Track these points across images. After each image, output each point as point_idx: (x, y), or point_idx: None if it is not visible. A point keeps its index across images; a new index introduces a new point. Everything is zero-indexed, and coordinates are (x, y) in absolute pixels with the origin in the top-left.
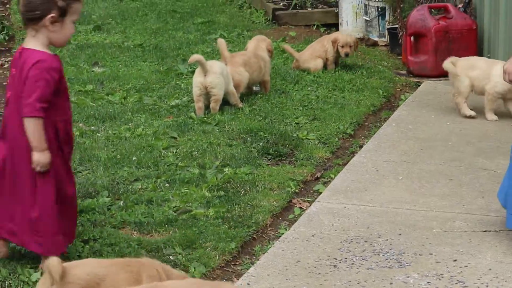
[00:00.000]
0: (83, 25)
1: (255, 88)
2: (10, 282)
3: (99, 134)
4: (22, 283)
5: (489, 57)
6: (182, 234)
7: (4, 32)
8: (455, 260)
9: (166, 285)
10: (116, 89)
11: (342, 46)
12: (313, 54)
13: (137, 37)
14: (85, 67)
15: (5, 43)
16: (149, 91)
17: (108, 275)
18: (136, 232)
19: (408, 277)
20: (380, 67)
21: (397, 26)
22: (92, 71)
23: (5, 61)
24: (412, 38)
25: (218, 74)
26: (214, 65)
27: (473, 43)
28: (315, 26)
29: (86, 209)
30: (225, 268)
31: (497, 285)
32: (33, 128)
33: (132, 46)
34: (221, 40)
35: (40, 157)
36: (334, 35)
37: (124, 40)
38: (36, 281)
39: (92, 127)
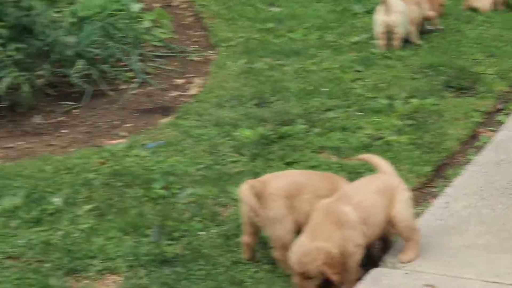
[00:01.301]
0: None
1: (428, 27)
2: (221, 199)
3: (286, 68)
4: (232, 201)
5: None
6: None
7: None
8: None
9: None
10: (295, 28)
11: None
12: None
13: None
14: (261, 7)
15: None
16: (327, 29)
17: (310, 184)
18: (334, 156)
19: None
20: None
21: None
22: (269, 10)
23: (181, 2)
24: None
25: (400, 12)
26: (397, 4)
27: None
28: None
29: (284, 135)
30: (421, 190)
31: None
32: None
33: None
34: None
35: None
36: None
37: None
38: None
39: (278, 61)
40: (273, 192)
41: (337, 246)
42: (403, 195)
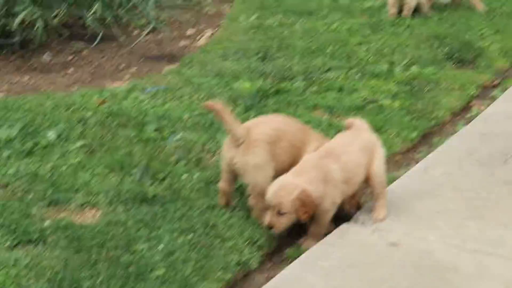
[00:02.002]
0: None
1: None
2: (209, 146)
3: (296, 26)
4: (219, 148)
5: None
6: (369, 120)
7: None
8: None
9: None
10: None
11: None
12: None
13: None
14: None
15: None
16: None
17: (288, 132)
18: (326, 114)
19: None
20: None
21: None
22: None
23: None
24: None
25: None
26: None
27: None
28: None
29: (282, 90)
30: (406, 154)
31: None
32: None
33: None
34: None
35: None
36: None
37: None
38: None
39: (290, 19)
40: (257, 137)
41: (316, 195)
42: (380, 151)
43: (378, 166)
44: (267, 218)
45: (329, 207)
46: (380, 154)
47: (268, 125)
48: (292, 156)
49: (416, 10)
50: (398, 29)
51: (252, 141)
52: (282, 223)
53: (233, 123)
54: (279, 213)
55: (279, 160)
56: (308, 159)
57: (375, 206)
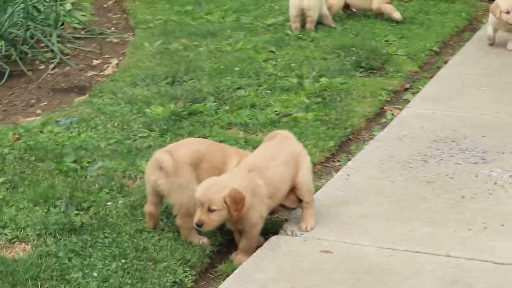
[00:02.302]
0: None
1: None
2: (130, 172)
3: (201, 49)
4: (140, 174)
5: None
6: None
7: None
8: None
9: None
10: (213, 10)
11: None
12: None
13: None
14: None
15: None
16: (245, 11)
17: (208, 153)
18: (242, 132)
19: (492, 171)
20: None
21: None
22: None
23: None
24: None
25: None
26: None
27: None
28: None
29: (195, 112)
30: (325, 164)
31: None
32: None
33: None
34: None
35: None
36: None
37: None
38: None
39: (194, 42)
40: (180, 159)
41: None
42: (306, 160)
43: (305, 176)
44: (197, 215)
45: (257, 221)
46: (306, 164)
47: (188, 147)
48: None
49: (319, 23)
50: (303, 43)
51: (175, 162)
52: (213, 220)
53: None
54: (210, 210)
55: (201, 180)
56: (235, 171)
57: (303, 216)
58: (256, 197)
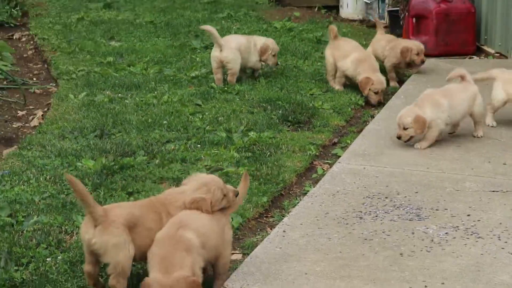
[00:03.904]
0: (93, 2)
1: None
2: (66, 227)
3: (127, 101)
4: (77, 229)
5: (485, 39)
6: None
7: (18, 8)
8: (468, 215)
9: None
10: (135, 61)
11: None
12: None
13: (147, 15)
14: (102, 41)
15: (19, 19)
16: (167, 63)
17: (141, 216)
18: (174, 186)
19: (427, 228)
20: None
21: (397, 8)
22: (109, 44)
23: (22, 35)
24: (414, 19)
25: (233, 49)
26: (230, 40)
27: (472, 26)
28: (316, 8)
29: (126, 166)
30: (259, 220)
31: (508, 236)
32: None
33: (144, 23)
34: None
35: None
36: None
37: (135, 17)
38: None
39: (119, 94)
40: (115, 219)
41: (191, 272)
42: (229, 232)
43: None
44: None
45: (199, 273)
46: (227, 238)
47: (123, 209)
48: (150, 238)
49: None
50: (229, 96)
51: (110, 221)
52: None
53: (93, 203)
54: None
55: (136, 244)
56: (161, 237)
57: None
58: (191, 251)
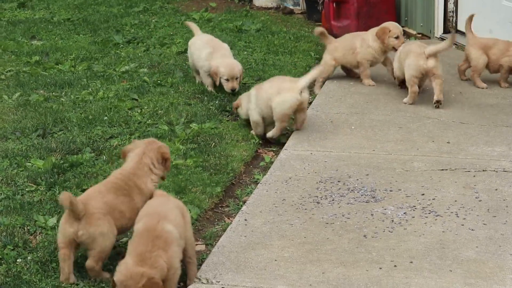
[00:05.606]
0: (6, 2)
1: None
2: (29, 227)
3: (63, 99)
4: (39, 228)
5: (406, 21)
6: (172, 181)
7: None
8: (423, 194)
9: None
10: (62, 59)
11: None
12: None
13: (63, 13)
14: (23, 41)
15: None
16: (93, 60)
17: (114, 202)
18: None
19: (385, 209)
20: (304, 32)
21: None
22: (32, 44)
23: None
24: (334, 4)
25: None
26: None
27: (392, 8)
28: None
29: (76, 163)
30: (215, 210)
31: (465, 213)
32: None
33: (61, 21)
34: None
35: None
36: None
37: (51, 15)
38: (53, 226)
39: (53, 93)
40: (95, 211)
41: (163, 268)
42: (188, 216)
43: (190, 232)
44: None
45: (177, 265)
46: (188, 220)
47: (96, 200)
48: (123, 218)
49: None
50: (163, 89)
51: (91, 213)
52: None
53: (75, 201)
54: None
55: (117, 225)
56: (142, 229)
57: (189, 276)
58: (171, 244)
